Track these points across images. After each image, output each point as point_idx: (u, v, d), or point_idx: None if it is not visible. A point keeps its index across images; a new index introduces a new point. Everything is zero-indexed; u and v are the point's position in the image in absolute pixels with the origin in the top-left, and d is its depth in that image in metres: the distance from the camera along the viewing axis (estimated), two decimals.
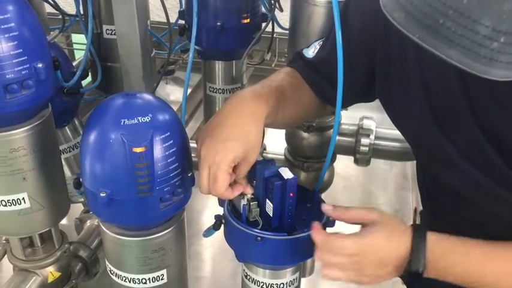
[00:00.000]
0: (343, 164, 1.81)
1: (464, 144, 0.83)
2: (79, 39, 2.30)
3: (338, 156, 1.53)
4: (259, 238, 0.84)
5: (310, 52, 1.03)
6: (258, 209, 0.87)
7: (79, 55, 2.37)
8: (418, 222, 1.20)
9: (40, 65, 0.86)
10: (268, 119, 0.91)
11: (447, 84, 0.81)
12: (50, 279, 1.12)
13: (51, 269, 1.12)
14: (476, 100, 0.79)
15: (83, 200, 1.38)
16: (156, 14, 1.91)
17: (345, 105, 1.01)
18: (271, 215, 0.85)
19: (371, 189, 2.17)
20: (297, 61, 1.06)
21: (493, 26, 0.52)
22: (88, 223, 1.37)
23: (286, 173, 0.83)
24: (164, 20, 1.29)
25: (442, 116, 0.85)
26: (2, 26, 0.81)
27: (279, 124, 1.01)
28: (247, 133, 0.85)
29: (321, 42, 1.04)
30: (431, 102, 0.85)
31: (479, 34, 0.53)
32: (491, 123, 0.79)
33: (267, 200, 0.85)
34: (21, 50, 0.83)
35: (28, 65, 0.84)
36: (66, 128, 1.33)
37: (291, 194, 0.83)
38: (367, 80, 0.97)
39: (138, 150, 0.81)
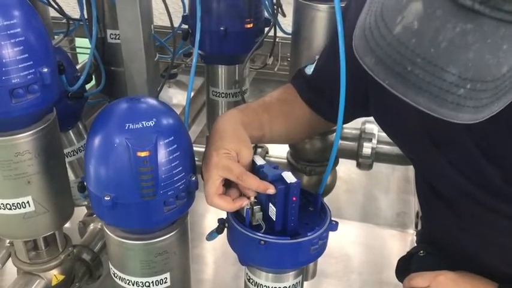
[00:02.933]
0: (346, 168, 1.83)
1: (459, 159, 0.84)
2: (82, 44, 2.31)
3: (340, 159, 1.53)
4: (262, 242, 0.84)
5: (312, 69, 1.04)
6: (261, 212, 0.87)
7: (82, 59, 2.38)
8: (420, 226, 1.20)
9: (45, 70, 0.86)
10: (253, 131, 0.94)
11: None
12: (54, 282, 1.13)
13: (55, 272, 1.13)
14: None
15: (86, 203, 1.39)
16: (160, 19, 1.92)
17: (345, 122, 1.01)
18: (274, 219, 0.85)
19: (373, 192, 2.17)
20: (297, 77, 1.09)
21: (459, 74, 0.54)
22: (91, 226, 1.37)
23: (289, 177, 0.83)
24: (167, 24, 1.30)
25: (437, 133, 0.85)
26: (8, 32, 0.82)
27: (271, 138, 1.03)
28: (228, 131, 0.90)
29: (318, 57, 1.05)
30: (426, 121, 0.85)
31: (446, 81, 0.55)
32: (488, 141, 0.79)
33: (270, 204, 0.85)
34: (26, 55, 0.84)
35: (33, 70, 0.85)
36: (70, 131, 1.34)
37: (294, 198, 0.83)
38: (364, 96, 0.97)
39: (143, 154, 0.82)
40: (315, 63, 1.05)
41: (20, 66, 0.83)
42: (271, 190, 0.83)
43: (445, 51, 0.53)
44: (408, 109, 0.85)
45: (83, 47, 2.29)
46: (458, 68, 0.54)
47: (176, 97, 2.67)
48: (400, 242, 1.89)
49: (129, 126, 0.83)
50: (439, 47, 0.54)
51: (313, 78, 1.03)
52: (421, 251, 1.03)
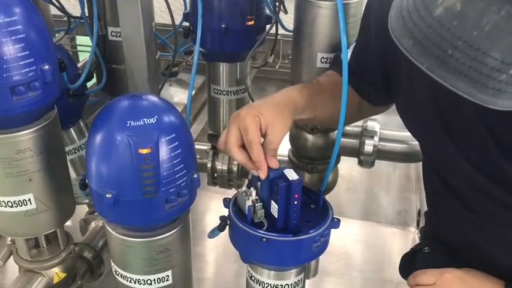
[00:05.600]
0: (347, 166, 1.82)
1: (476, 154, 0.83)
2: (83, 41, 2.31)
3: (341, 158, 1.53)
4: (264, 239, 0.84)
5: (350, 56, 1.04)
6: (263, 210, 0.87)
7: (83, 57, 2.38)
8: (421, 224, 1.20)
9: (46, 67, 0.86)
10: (306, 113, 0.96)
11: (458, 98, 0.80)
12: (56, 280, 1.13)
13: (56, 269, 1.13)
14: (489, 113, 0.78)
15: (87, 201, 1.39)
16: (161, 16, 1.91)
17: (384, 104, 1.08)
18: (276, 216, 0.85)
19: (374, 190, 2.17)
20: (335, 64, 1.10)
21: (502, 58, 0.52)
22: (93, 224, 1.37)
23: (292, 175, 0.83)
24: (168, 22, 1.30)
25: (454, 128, 0.85)
26: (9, 29, 0.82)
27: (322, 120, 1.04)
28: (275, 102, 0.92)
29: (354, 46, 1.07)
30: (443, 116, 0.85)
31: (487, 66, 0.53)
32: (506, 136, 0.78)
33: (272, 202, 0.85)
34: (27, 52, 0.84)
35: (34, 67, 0.85)
36: (71, 129, 1.34)
37: (296, 196, 0.83)
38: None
39: (144, 151, 0.82)
40: (352, 51, 1.06)
41: (21, 63, 0.83)
42: (263, 172, 0.83)
43: (488, 35, 0.52)
44: (425, 100, 0.86)
45: (84, 44, 2.29)
46: (501, 53, 0.52)
47: (177, 95, 2.67)
48: (402, 240, 1.89)
49: (130, 123, 0.83)
50: (482, 30, 0.52)
51: (354, 67, 1.02)
52: (426, 248, 1.02)
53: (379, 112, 1.16)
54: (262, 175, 0.83)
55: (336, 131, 1.38)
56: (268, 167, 0.84)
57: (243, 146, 0.87)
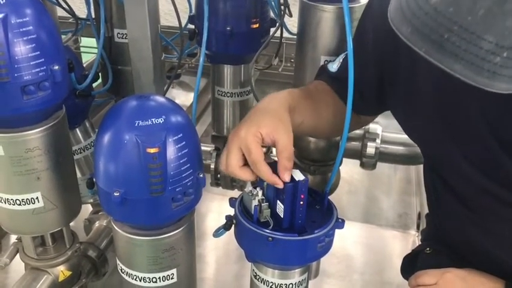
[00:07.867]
0: (348, 168, 1.83)
1: (477, 153, 0.84)
2: (87, 43, 2.32)
3: (343, 159, 1.54)
4: (270, 238, 0.85)
5: (335, 66, 1.05)
6: (269, 209, 0.88)
7: (86, 58, 2.38)
8: (422, 227, 1.21)
9: (56, 67, 0.87)
10: (296, 116, 0.94)
11: (460, 97, 0.82)
12: (61, 278, 1.14)
13: (62, 268, 1.14)
14: (491, 112, 0.79)
15: (92, 200, 1.40)
16: (165, 19, 1.93)
17: (373, 113, 1.09)
18: (282, 216, 0.86)
19: (375, 193, 2.18)
20: (322, 75, 1.10)
21: (497, 41, 0.54)
22: (97, 224, 1.38)
23: (298, 175, 0.84)
24: (172, 24, 1.31)
25: (455, 129, 0.86)
26: (21, 29, 0.83)
27: (310, 125, 1.01)
28: (270, 109, 0.90)
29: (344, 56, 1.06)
30: (444, 117, 0.86)
31: (482, 49, 0.55)
32: (508, 133, 0.79)
33: (278, 201, 0.86)
34: (38, 53, 0.85)
35: (45, 67, 0.86)
36: (77, 129, 1.35)
37: (302, 196, 0.84)
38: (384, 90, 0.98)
39: (152, 150, 0.83)
40: (339, 59, 1.06)
41: (31, 63, 0.84)
42: (279, 185, 0.83)
43: (482, 19, 0.54)
44: (428, 103, 0.87)
45: (88, 46, 2.30)
46: (495, 36, 0.54)
47: (179, 97, 2.67)
48: (402, 242, 1.90)
49: (138, 123, 0.84)
50: (476, 15, 0.54)
51: (340, 73, 1.03)
52: (428, 249, 1.03)
53: (365, 123, 1.17)
54: (281, 185, 0.83)
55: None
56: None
57: (246, 164, 0.86)
